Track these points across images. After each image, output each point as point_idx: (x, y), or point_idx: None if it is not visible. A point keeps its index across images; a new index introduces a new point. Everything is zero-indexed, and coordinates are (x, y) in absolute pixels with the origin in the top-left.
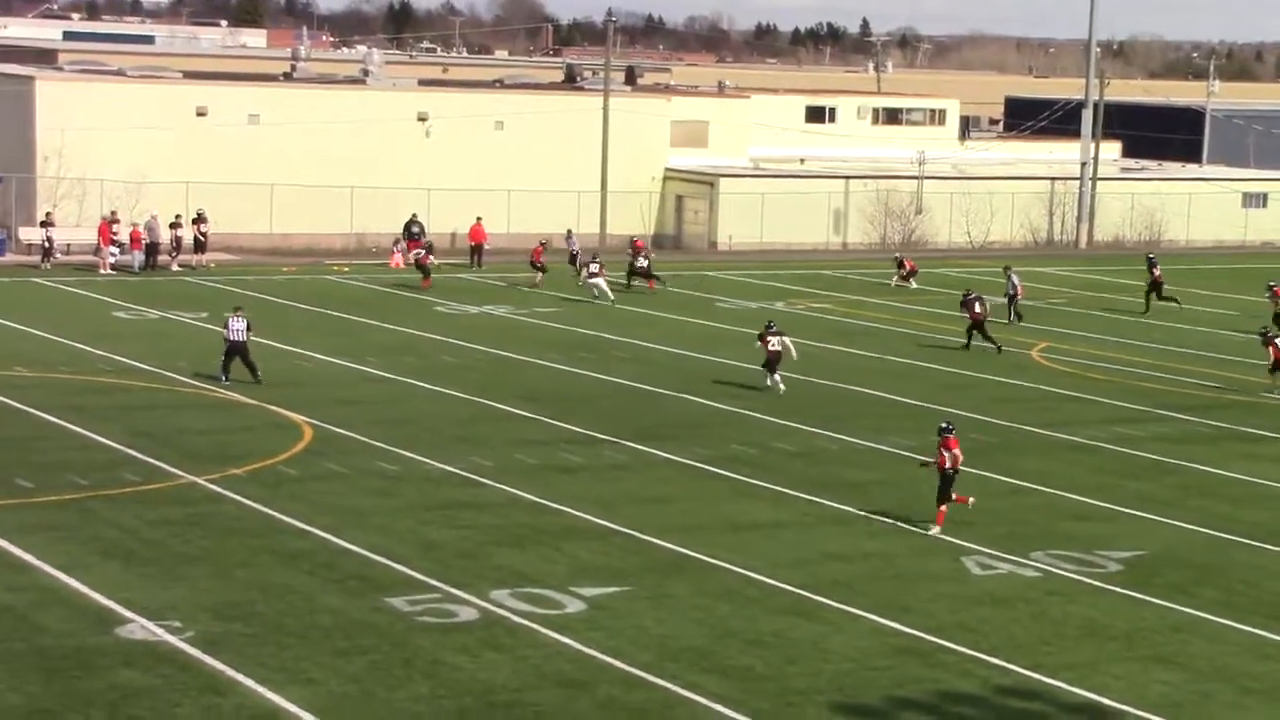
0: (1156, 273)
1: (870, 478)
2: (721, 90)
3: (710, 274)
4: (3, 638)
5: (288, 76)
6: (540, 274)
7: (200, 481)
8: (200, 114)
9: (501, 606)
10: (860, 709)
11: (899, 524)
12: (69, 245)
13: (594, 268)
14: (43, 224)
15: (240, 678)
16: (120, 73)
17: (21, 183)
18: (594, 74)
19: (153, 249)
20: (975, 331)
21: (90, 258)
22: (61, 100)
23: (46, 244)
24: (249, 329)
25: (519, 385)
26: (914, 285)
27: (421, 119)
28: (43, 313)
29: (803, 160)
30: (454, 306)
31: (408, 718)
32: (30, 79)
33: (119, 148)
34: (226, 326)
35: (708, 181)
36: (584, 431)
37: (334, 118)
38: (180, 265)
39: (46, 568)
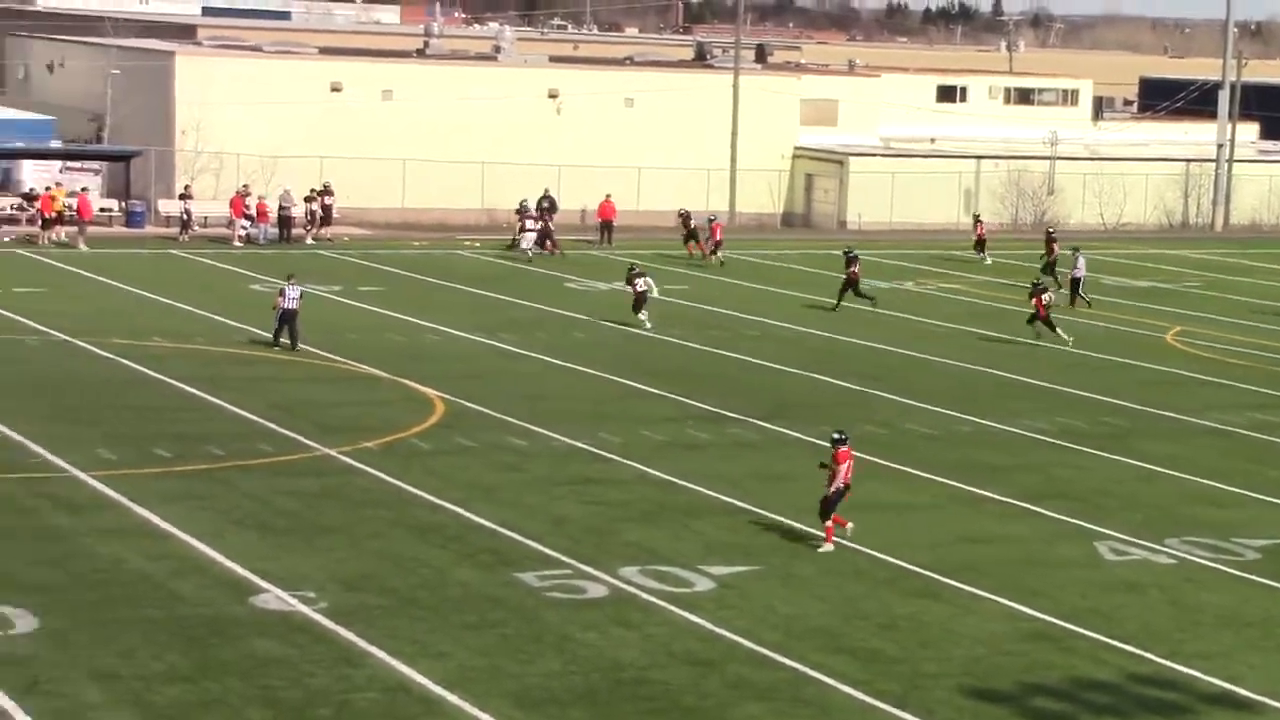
0: None
1: (1003, 460)
2: (852, 69)
3: (839, 253)
4: (142, 605)
5: (420, 53)
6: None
7: (334, 454)
8: (335, 89)
9: (631, 583)
10: (991, 694)
11: (1031, 507)
12: (205, 218)
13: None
14: (181, 197)
15: (372, 649)
16: (257, 48)
17: (160, 156)
18: (724, 52)
19: (286, 222)
20: (1038, 322)
21: (225, 230)
22: (200, 75)
23: (185, 216)
24: (301, 297)
25: (648, 362)
26: (989, 260)
27: (552, 96)
28: (180, 284)
29: (933, 140)
30: (585, 283)
31: (537, 693)
32: (170, 54)
33: (255, 122)
34: (281, 294)
35: (837, 160)
36: (712, 409)
37: (466, 94)
38: (315, 239)
39: (185, 537)
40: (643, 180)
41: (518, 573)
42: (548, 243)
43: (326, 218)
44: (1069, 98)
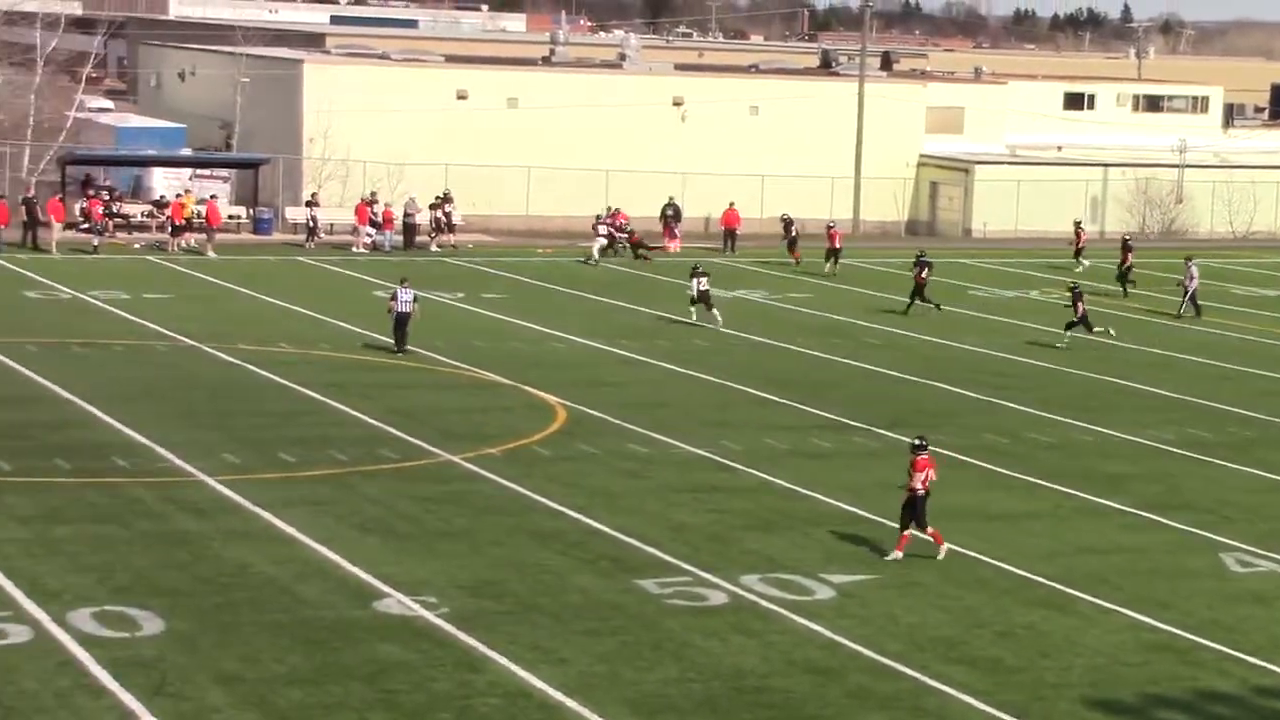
0: None
1: (1127, 470)
2: (978, 76)
3: (964, 261)
4: (266, 608)
5: (546, 61)
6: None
7: (456, 460)
8: (460, 97)
9: (751, 591)
10: (1113, 705)
11: (1155, 517)
12: (331, 225)
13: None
14: (308, 204)
15: (493, 655)
16: (384, 56)
17: (288, 164)
18: (849, 59)
19: (411, 230)
20: (1079, 325)
21: (350, 237)
22: (328, 83)
23: (311, 223)
24: (415, 301)
25: (771, 370)
26: (1081, 266)
27: (677, 104)
28: (306, 290)
29: (1060, 148)
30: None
31: (655, 700)
32: (299, 62)
33: (381, 130)
34: (394, 298)
35: (963, 168)
36: (835, 418)
37: (591, 102)
38: (439, 246)
39: (308, 541)
40: (766, 188)
41: (638, 579)
42: (641, 250)
43: (448, 226)
44: (1199, 105)
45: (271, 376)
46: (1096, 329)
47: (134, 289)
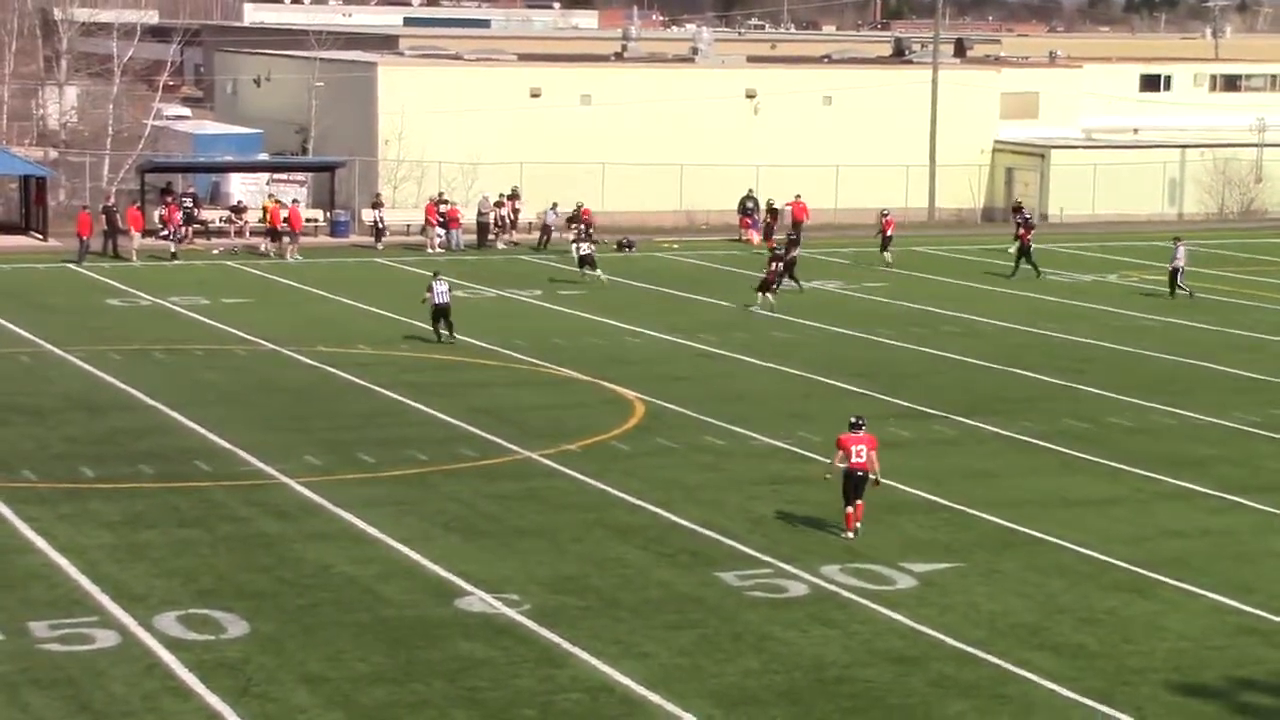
0: None
1: (1212, 453)
2: (1053, 60)
3: (1041, 246)
4: (349, 608)
5: (618, 56)
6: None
7: (535, 457)
8: (534, 95)
9: (831, 582)
10: (1198, 689)
11: (1240, 500)
12: (408, 226)
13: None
14: (373, 205)
15: (575, 650)
16: (457, 57)
17: (364, 166)
18: (923, 47)
19: (485, 228)
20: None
21: (423, 238)
22: (402, 84)
23: (378, 225)
24: (450, 291)
25: (849, 360)
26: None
27: (750, 96)
28: (382, 292)
29: (1136, 130)
30: (785, 283)
31: (737, 691)
32: (373, 64)
33: (455, 130)
34: (430, 290)
35: (1038, 153)
36: (913, 406)
37: (664, 96)
38: (505, 244)
39: (390, 541)
40: (841, 179)
41: (718, 572)
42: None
43: (512, 223)
44: (1277, 83)
45: (350, 378)
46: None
47: (213, 294)
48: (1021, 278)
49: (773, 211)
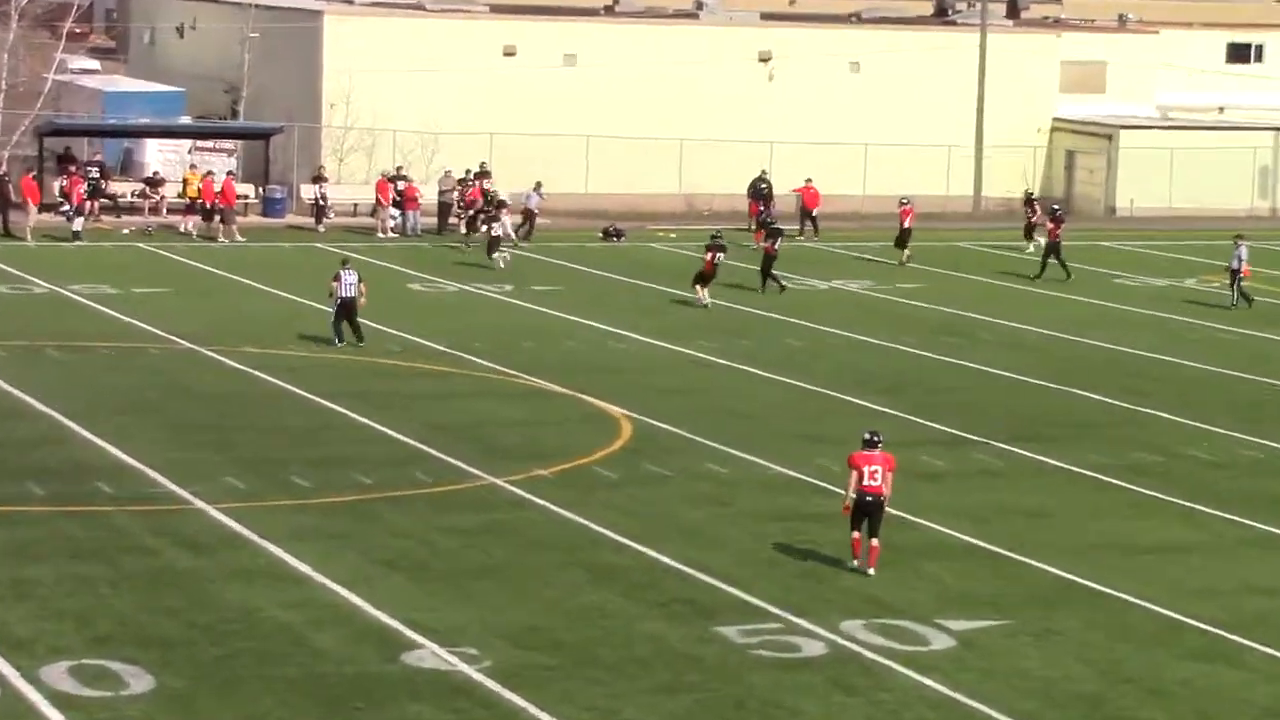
0: None
1: None
2: (1122, 24)
3: (1106, 244)
4: (277, 662)
5: (609, 10)
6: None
7: (501, 483)
8: (508, 54)
9: (853, 640)
10: None
11: None
12: (356, 205)
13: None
14: (315, 179)
15: (543, 717)
16: (419, 6)
17: (304, 134)
18: (969, 6)
19: (446, 210)
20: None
21: (373, 220)
22: (351, 38)
23: (319, 203)
24: (361, 282)
25: (874, 374)
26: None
27: (764, 60)
28: (323, 283)
29: (1222, 109)
30: (799, 280)
31: None
32: (317, 14)
33: (414, 94)
34: (337, 280)
35: (1105, 134)
36: (950, 430)
37: (662, 59)
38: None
39: (325, 581)
40: (871, 159)
41: (718, 626)
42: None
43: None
44: None
45: (282, 385)
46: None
47: (122, 282)
48: (1050, 278)
49: (762, 197)
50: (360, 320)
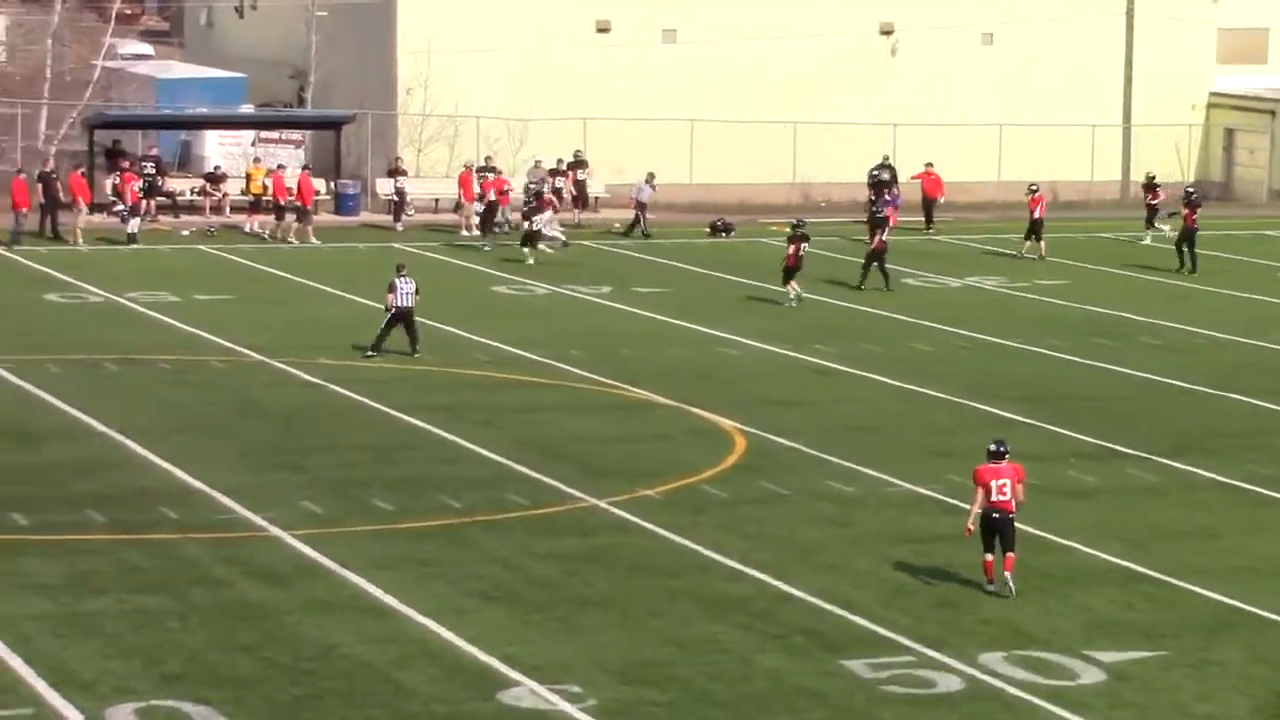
0: None
1: None
2: None
3: (1270, 233)
4: (361, 702)
5: None
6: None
7: (602, 505)
8: (601, 30)
9: (994, 674)
10: None
11: None
12: (437, 200)
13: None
14: (391, 173)
15: None
16: None
17: (379, 122)
18: None
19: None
20: None
21: (455, 216)
22: (428, 15)
23: (397, 199)
24: (417, 293)
25: (1013, 381)
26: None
27: (885, 32)
28: None
29: None
30: (928, 278)
31: None
32: None
33: (498, 76)
34: (393, 289)
35: (1268, 109)
36: (1099, 443)
37: (772, 33)
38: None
39: (411, 613)
40: (1005, 141)
41: (844, 659)
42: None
43: (582, 198)
44: None
45: (362, 400)
46: None
47: (183, 289)
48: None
49: (882, 185)
50: (443, 326)
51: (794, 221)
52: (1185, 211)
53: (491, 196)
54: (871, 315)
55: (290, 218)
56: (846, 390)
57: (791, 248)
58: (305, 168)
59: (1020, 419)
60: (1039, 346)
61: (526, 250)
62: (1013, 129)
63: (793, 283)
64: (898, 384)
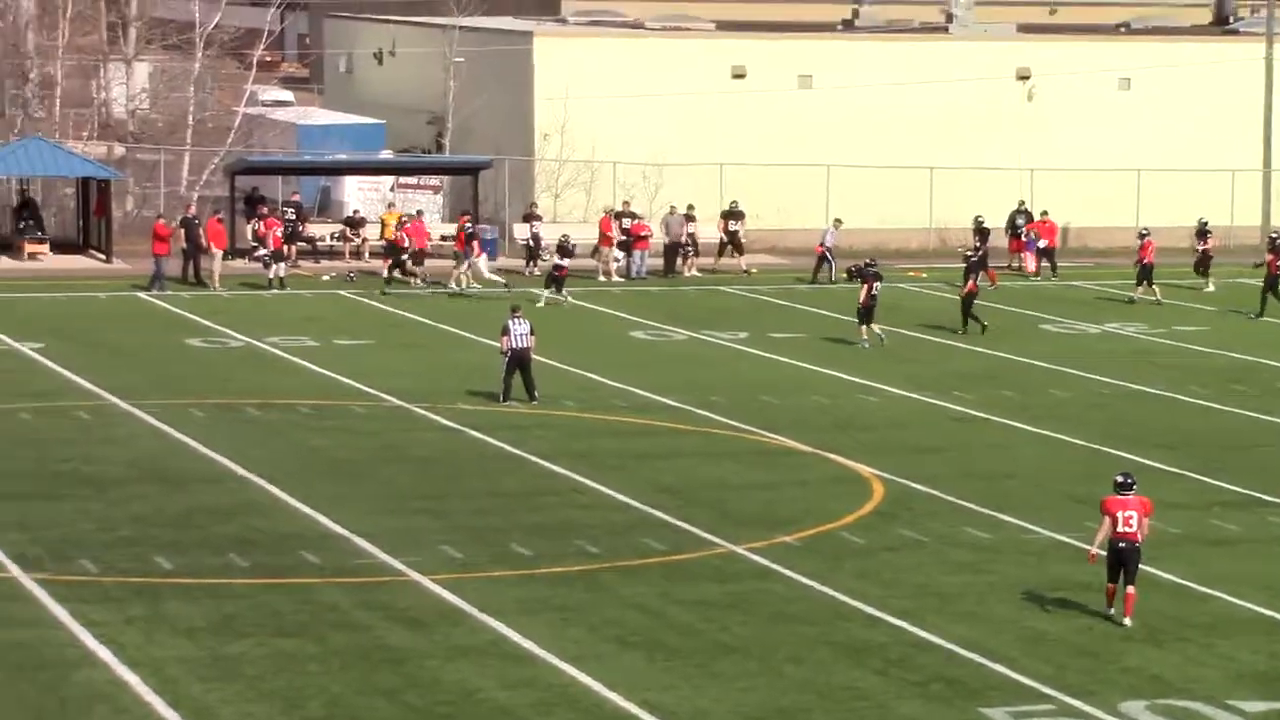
0: None
1: None
2: None
3: None
4: None
5: (848, 25)
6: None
7: (741, 551)
8: (737, 76)
9: None
10: None
11: None
12: (574, 246)
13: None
14: (526, 218)
15: None
16: (638, 25)
17: (515, 168)
18: (1253, 12)
19: (673, 250)
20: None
21: (593, 262)
22: (565, 61)
23: (532, 243)
24: (532, 333)
25: (1154, 428)
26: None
27: (1022, 77)
28: (541, 331)
29: None
30: (1066, 324)
31: None
32: (528, 35)
33: (634, 121)
34: (506, 331)
35: None
36: (1243, 491)
37: (907, 78)
38: (700, 271)
39: (551, 659)
40: (1144, 186)
41: (984, 707)
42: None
43: (737, 244)
44: None
45: (501, 445)
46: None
47: (323, 334)
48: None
49: (983, 231)
50: (582, 371)
51: (865, 260)
52: (1270, 257)
53: (827, 242)
54: (1010, 362)
55: (463, 264)
56: (985, 437)
57: (864, 286)
58: (419, 213)
59: (1161, 466)
60: (1179, 393)
61: (547, 293)
62: (1150, 173)
63: (871, 325)
64: (1036, 430)
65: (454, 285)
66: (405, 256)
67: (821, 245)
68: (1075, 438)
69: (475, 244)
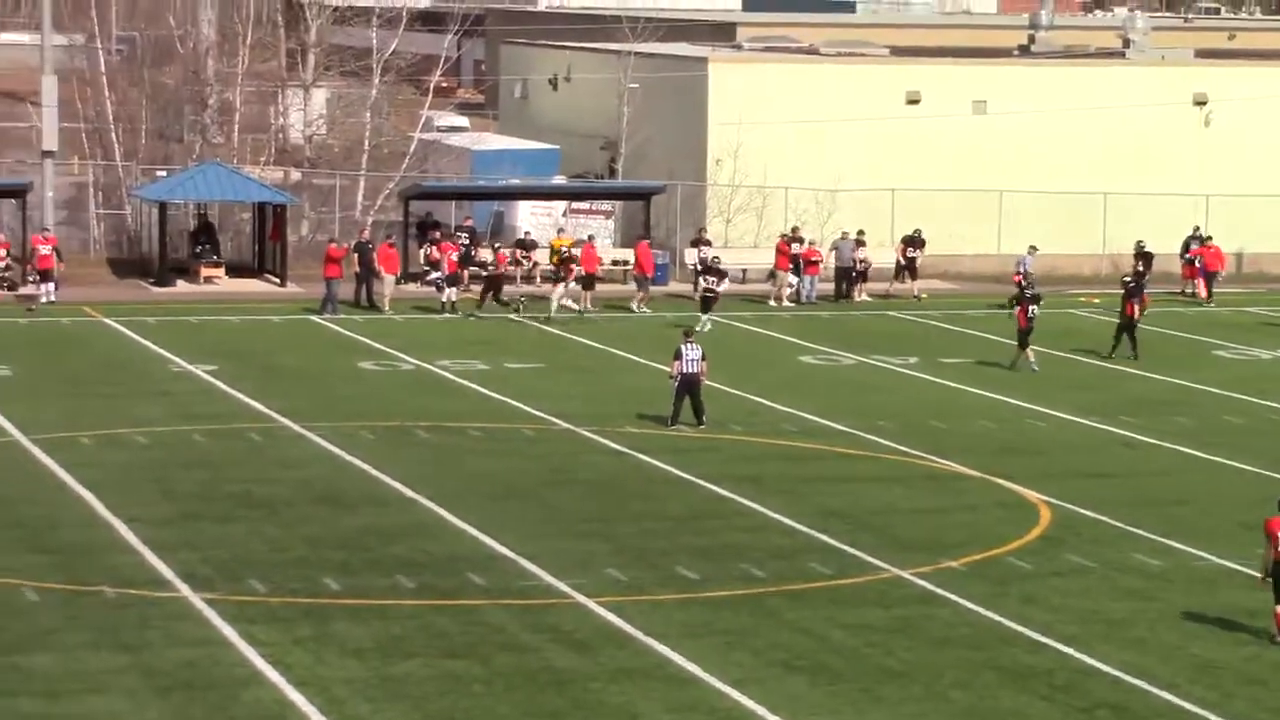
0: None
1: None
2: None
3: None
4: None
5: (1024, 50)
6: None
7: (906, 576)
8: (911, 101)
9: None
10: None
11: None
12: (744, 270)
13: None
14: (695, 243)
15: None
16: (812, 51)
17: (688, 193)
18: None
19: (845, 275)
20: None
21: (767, 286)
22: (739, 86)
23: (699, 267)
24: (704, 358)
25: None
26: None
27: (1199, 103)
28: (711, 355)
29: None
30: (1239, 350)
31: None
32: (702, 60)
33: (808, 147)
34: (678, 356)
35: None
36: None
37: (1082, 103)
38: (872, 295)
39: (715, 682)
40: None
41: None
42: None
43: (912, 270)
44: None
45: (667, 468)
46: None
47: (493, 357)
48: None
49: (1145, 256)
50: (751, 396)
51: (1024, 284)
52: None
53: (1024, 267)
54: (1181, 387)
55: (641, 290)
56: (1155, 463)
57: (1020, 309)
58: (590, 238)
59: None
60: None
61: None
62: None
63: (1030, 349)
64: (1208, 457)
65: (569, 306)
66: (559, 280)
67: (1018, 273)
68: (1247, 464)
69: (568, 268)
